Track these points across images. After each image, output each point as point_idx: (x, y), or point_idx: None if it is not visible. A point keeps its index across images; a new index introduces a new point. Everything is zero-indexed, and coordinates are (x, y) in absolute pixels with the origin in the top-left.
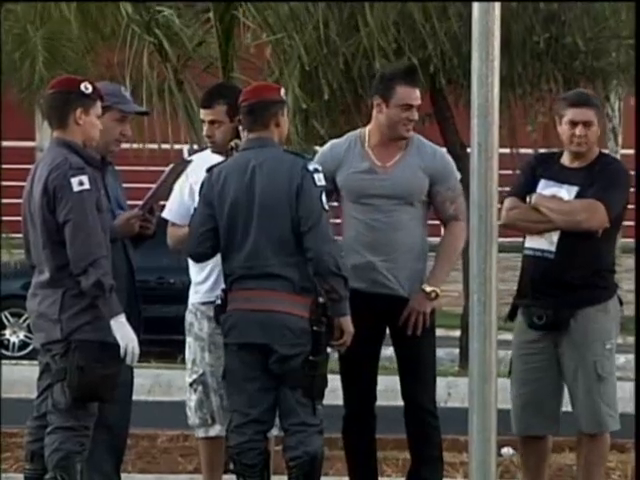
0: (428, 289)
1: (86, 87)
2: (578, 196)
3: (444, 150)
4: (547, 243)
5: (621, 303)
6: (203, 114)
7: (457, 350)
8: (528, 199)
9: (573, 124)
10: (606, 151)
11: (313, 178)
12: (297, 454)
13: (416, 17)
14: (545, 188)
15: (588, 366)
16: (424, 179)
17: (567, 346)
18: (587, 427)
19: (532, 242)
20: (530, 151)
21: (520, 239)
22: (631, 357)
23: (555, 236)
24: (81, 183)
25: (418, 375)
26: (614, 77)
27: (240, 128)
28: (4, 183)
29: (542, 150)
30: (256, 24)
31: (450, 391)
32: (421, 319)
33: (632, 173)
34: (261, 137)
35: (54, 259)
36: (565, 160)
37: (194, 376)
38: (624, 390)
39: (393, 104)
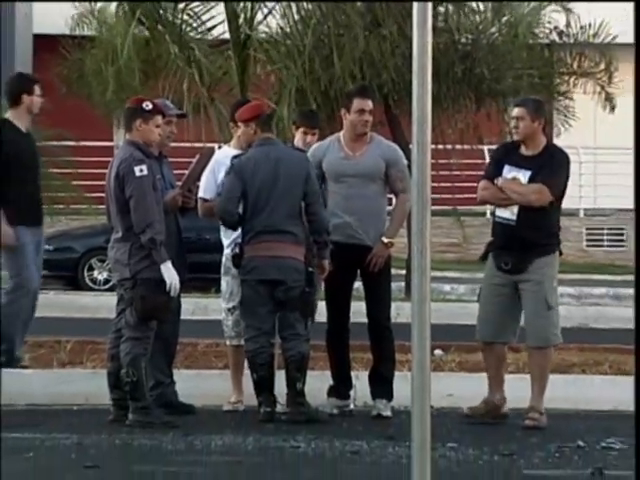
0: (386, 240)
1: (147, 105)
2: (531, 178)
3: (397, 146)
4: (510, 213)
5: (561, 254)
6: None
7: (403, 283)
8: (496, 181)
9: (512, 119)
10: None
11: (313, 167)
12: (293, 353)
13: (375, 55)
14: (509, 172)
15: (541, 298)
16: (382, 163)
17: (527, 284)
18: (536, 342)
19: (500, 212)
20: (450, 147)
21: (446, 207)
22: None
23: (515, 208)
24: (141, 170)
25: (378, 300)
26: (510, 96)
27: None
28: (94, 171)
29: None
30: (263, 59)
31: (398, 312)
32: (380, 261)
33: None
34: (270, 137)
35: (124, 222)
36: (522, 149)
37: (232, 303)
38: None
39: (352, 111)
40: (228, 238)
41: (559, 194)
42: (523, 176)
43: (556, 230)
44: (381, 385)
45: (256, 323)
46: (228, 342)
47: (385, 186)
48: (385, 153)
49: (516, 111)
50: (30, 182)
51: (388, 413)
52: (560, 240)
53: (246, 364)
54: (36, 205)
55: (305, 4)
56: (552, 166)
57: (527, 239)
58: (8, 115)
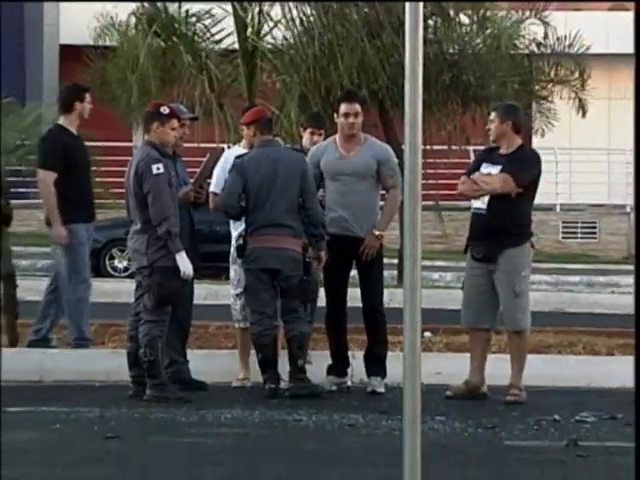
0: (377, 233)
1: (164, 109)
2: (501, 171)
3: (388, 146)
4: (481, 203)
5: (532, 246)
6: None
7: (395, 272)
8: (472, 176)
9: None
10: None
11: (309, 166)
12: (294, 333)
13: (371, 63)
14: (485, 168)
15: (509, 287)
16: (373, 163)
17: (498, 273)
18: (508, 326)
19: (475, 203)
20: (439, 147)
21: (430, 202)
22: (537, 277)
23: (486, 198)
24: (158, 168)
25: (372, 287)
26: (493, 100)
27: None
28: (115, 169)
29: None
30: (269, 67)
31: (391, 298)
32: (372, 251)
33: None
34: (270, 138)
35: (142, 216)
36: (501, 150)
37: (239, 289)
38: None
39: (340, 115)
40: (236, 230)
41: (523, 184)
42: (496, 170)
43: (526, 223)
44: (375, 364)
45: (259, 308)
46: (236, 324)
47: (377, 183)
48: (376, 153)
49: (491, 115)
50: (85, 181)
51: (382, 389)
52: (532, 233)
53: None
54: (90, 203)
55: (309, 17)
56: (520, 161)
57: (496, 227)
58: (61, 121)
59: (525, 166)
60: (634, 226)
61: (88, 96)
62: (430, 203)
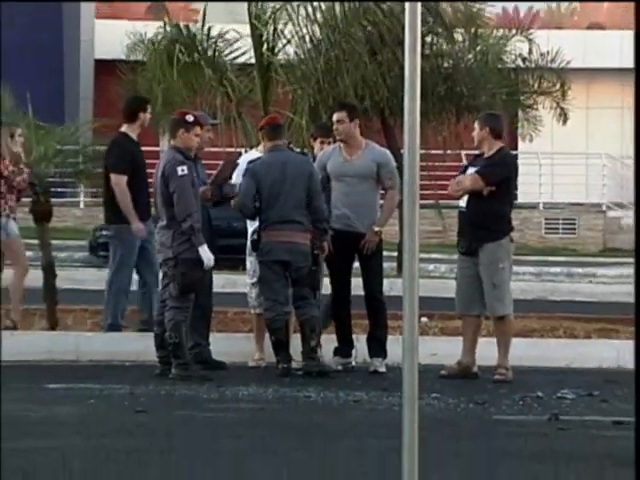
0: (376, 229)
1: (189, 117)
2: (475, 172)
3: (387, 150)
4: (462, 202)
5: (511, 240)
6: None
7: (395, 263)
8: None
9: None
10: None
11: (315, 168)
12: (306, 317)
13: (373, 77)
14: (469, 171)
15: (488, 279)
16: (374, 166)
17: (480, 266)
18: (489, 311)
19: (460, 202)
20: (440, 152)
21: (431, 201)
22: (522, 268)
23: (466, 198)
24: (183, 170)
25: (372, 277)
26: (484, 109)
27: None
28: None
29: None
30: (282, 80)
31: (391, 287)
32: (372, 245)
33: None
34: (279, 144)
35: (168, 213)
36: (484, 153)
37: (255, 279)
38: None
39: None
40: (252, 226)
41: (492, 182)
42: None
43: (503, 220)
44: (377, 346)
45: (272, 296)
46: (252, 310)
47: (377, 184)
48: (377, 157)
49: (476, 124)
50: (144, 183)
51: (383, 369)
52: (512, 228)
53: None
54: (147, 202)
55: (318, 35)
56: (492, 161)
57: (474, 223)
58: (124, 129)
59: (493, 166)
60: (633, 223)
61: (149, 107)
62: (426, 202)
